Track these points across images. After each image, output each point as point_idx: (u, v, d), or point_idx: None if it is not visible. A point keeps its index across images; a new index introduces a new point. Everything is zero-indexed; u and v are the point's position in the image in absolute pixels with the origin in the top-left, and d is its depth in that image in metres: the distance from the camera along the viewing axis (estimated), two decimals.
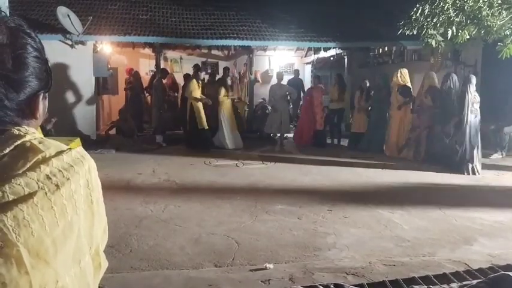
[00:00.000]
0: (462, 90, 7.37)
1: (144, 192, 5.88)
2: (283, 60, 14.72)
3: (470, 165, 7.16)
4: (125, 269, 3.43)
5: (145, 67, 14.10)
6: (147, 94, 12.37)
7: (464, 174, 7.08)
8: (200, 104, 9.38)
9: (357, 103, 10.20)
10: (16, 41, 0.74)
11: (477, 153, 7.22)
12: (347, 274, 3.24)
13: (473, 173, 7.11)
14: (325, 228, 4.44)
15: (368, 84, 10.23)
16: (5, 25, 0.73)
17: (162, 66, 12.35)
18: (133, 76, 12.05)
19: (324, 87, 11.30)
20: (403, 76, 9.03)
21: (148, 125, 12.05)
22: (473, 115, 7.20)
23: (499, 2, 7.24)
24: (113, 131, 10.20)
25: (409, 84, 9.07)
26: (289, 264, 3.55)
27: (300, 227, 4.48)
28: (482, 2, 7.27)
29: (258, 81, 13.30)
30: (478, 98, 7.30)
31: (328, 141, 10.82)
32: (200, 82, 9.71)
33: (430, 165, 7.65)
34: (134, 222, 4.56)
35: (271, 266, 3.41)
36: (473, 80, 7.35)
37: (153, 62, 12.26)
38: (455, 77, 7.93)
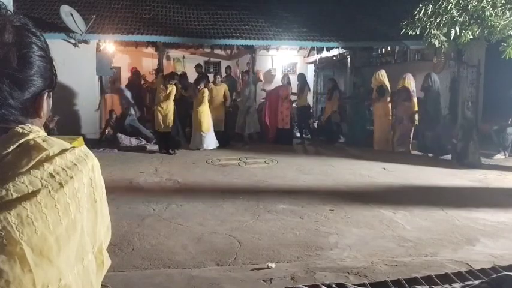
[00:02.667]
0: (453, 88, 8.22)
1: (147, 191, 5.89)
2: (285, 60, 14.71)
3: (469, 158, 7.68)
4: (127, 267, 3.44)
5: (149, 66, 14.10)
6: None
7: (465, 168, 7.50)
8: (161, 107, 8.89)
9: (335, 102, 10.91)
10: (22, 40, 0.74)
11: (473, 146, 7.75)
12: (349, 274, 3.24)
13: (474, 167, 7.51)
14: (327, 227, 4.44)
15: (334, 84, 11.03)
16: (11, 24, 0.74)
17: (164, 65, 12.36)
18: (133, 74, 12.03)
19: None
20: (380, 77, 9.86)
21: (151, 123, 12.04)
22: (469, 111, 7.88)
23: (503, 2, 7.20)
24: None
25: (385, 84, 9.81)
26: (291, 263, 3.56)
27: (302, 226, 4.48)
28: (486, 2, 7.23)
29: (261, 81, 13.29)
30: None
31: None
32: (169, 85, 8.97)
33: (425, 157, 8.64)
34: (136, 221, 4.57)
35: (273, 265, 3.41)
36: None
37: (156, 61, 12.27)
38: (434, 76, 8.92)
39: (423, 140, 8.97)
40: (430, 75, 8.97)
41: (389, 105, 9.71)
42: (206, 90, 9.37)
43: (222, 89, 10.21)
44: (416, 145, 9.22)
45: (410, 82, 9.34)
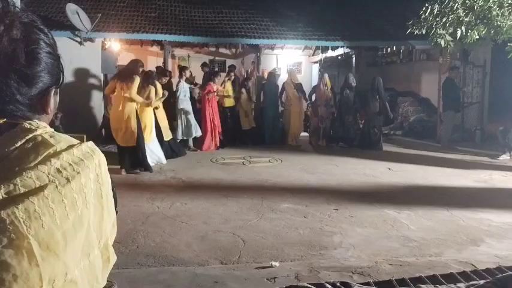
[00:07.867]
0: (378, 90, 9.38)
1: (151, 189, 5.91)
2: (290, 59, 14.70)
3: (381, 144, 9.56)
4: (131, 265, 3.45)
5: (154, 65, 14.12)
6: None
7: (380, 150, 9.30)
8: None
9: (245, 103, 10.62)
10: (29, 36, 0.75)
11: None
12: (353, 273, 3.24)
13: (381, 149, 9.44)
14: (332, 227, 4.44)
15: (250, 85, 10.86)
16: (19, 20, 0.74)
17: (169, 64, 12.38)
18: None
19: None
20: (294, 76, 10.65)
21: None
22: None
23: (509, 2, 7.18)
24: None
25: (299, 82, 10.73)
26: (295, 262, 3.56)
27: (306, 225, 4.48)
28: (492, 1, 7.21)
29: (265, 80, 13.27)
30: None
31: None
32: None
33: (346, 147, 9.88)
34: (141, 219, 4.58)
35: (277, 264, 3.41)
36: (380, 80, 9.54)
37: (161, 59, 12.30)
38: (351, 77, 10.10)
39: (338, 133, 10.23)
40: (349, 75, 10.04)
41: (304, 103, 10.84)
42: (153, 88, 7.41)
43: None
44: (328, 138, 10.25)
45: (328, 82, 10.44)
